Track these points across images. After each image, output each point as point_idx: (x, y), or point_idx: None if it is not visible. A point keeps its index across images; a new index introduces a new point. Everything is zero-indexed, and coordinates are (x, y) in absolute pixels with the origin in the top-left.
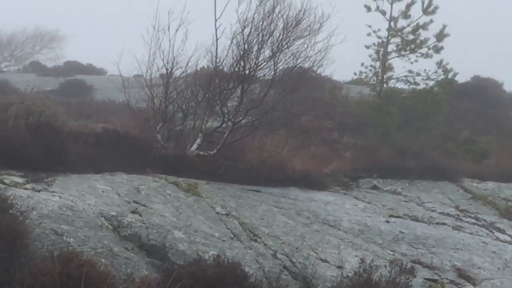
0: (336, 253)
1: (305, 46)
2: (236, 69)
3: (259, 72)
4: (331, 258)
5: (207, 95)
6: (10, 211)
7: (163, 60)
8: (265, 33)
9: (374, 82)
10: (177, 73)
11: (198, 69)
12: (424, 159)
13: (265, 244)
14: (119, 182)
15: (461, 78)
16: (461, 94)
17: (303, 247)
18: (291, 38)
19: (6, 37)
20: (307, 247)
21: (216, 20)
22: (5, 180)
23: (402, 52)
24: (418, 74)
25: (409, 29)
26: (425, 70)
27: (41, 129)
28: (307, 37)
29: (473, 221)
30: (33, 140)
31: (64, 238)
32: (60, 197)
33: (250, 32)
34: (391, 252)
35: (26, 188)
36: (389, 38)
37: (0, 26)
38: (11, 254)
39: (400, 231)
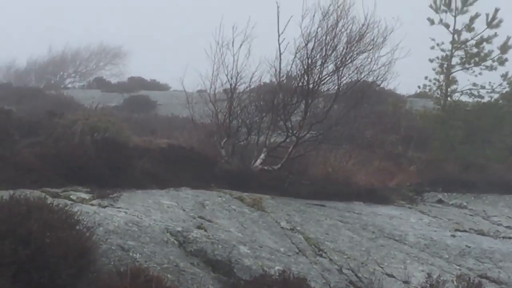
0: (402, 268)
1: (369, 60)
2: (300, 83)
3: (322, 86)
4: (397, 273)
5: (271, 110)
6: (77, 227)
7: (226, 75)
8: (328, 47)
9: (438, 96)
10: (241, 88)
11: (262, 84)
12: (490, 173)
13: (330, 259)
14: (184, 197)
15: None
16: None
17: (368, 262)
18: (355, 52)
19: (70, 54)
20: (372, 262)
21: (279, 35)
22: (71, 196)
23: (466, 65)
24: (483, 87)
25: (473, 42)
26: (489, 82)
27: (106, 145)
28: (371, 51)
29: None
30: (98, 156)
31: (131, 254)
32: (126, 212)
33: (313, 46)
34: (458, 267)
35: (92, 204)
36: (453, 51)
37: (65, 43)
38: (79, 271)
39: (466, 245)
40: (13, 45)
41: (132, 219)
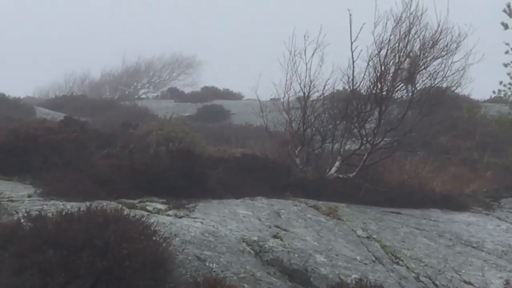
0: (480, 275)
1: (443, 66)
2: (373, 91)
3: (396, 93)
4: (475, 280)
5: (344, 118)
6: (154, 238)
7: (299, 83)
8: (401, 54)
9: None
10: (314, 96)
11: (335, 91)
12: None
13: (407, 267)
14: (260, 206)
15: None
16: None
17: (446, 269)
18: (428, 59)
19: (144, 64)
20: (450, 269)
21: (352, 43)
22: (147, 207)
23: None
24: None
25: None
26: None
27: (181, 155)
28: (444, 57)
29: None
30: (173, 166)
31: (207, 264)
32: (201, 223)
33: (386, 53)
34: None
35: (168, 215)
36: None
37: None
38: (156, 282)
39: None
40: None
41: (208, 229)
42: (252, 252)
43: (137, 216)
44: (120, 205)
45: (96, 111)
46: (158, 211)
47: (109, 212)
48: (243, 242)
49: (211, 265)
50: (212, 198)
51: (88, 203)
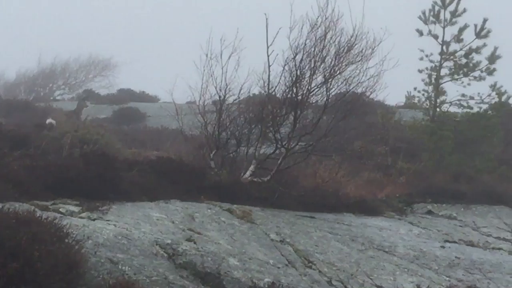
0: (392, 279)
1: (358, 71)
2: (289, 95)
3: (311, 98)
4: (387, 284)
5: (260, 122)
6: (66, 240)
7: (215, 87)
8: (317, 59)
9: (427, 106)
10: (230, 100)
11: (251, 95)
12: (479, 183)
13: (320, 271)
14: (174, 209)
15: None
16: None
17: (358, 273)
18: (343, 64)
19: (60, 66)
20: (362, 274)
21: (268, 47)
22: (61, 209)
23: (455, 76)
24: (472, 98)
25: (461, 52)
26: (478, 93)
27: (96, 157)
28: (359, 62)
29: None
30: (87, 168)
31: (120, 267)
32: (115, 225)
33: (302, 58)
34: (447, 278)
35: (81, 217)
36: (442, 62)
37: (54, 55)
38: (68, 284)
39: (455, 257)
40: (2, 57)
41: (122, 232)
42: (165, 255)
43: (49, 218)
44: (33, 207)
45: (11, 112)
46: (71, 213)
47: (21, 214)
48: (156, 245)
49: (123, 268)
50: (126, 201)
51: (0, 205)
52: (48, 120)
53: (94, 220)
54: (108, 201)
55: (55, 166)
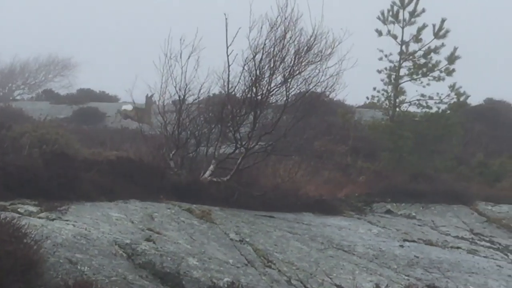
0: (351, 279)
1: (317, 71)
2: (249, 95)
3: (271, 98)
4: (346, 283)
5: (219, 122)
6: (25, 240)
7: (175, 87)
8: (276, 59)
9: (387, 106)
10: (190, 100)
11: (211, 95)
12: (438, 183)
13: (279, 270)
14: (133, 209)
15: (474, 101)
16: (474, 117)
17: (317, 272)
18: (303, 64)
19: (19, 65)
20: (321, 273)
21: (228, 47)
22: (19, 209)
23: (414, 76)
24: (431, 98)
25: (420, 52)
26: (437, 93)
27: (55, 157)
28: (319, 62)
29: (488, 244)
30: (47, 168)
31: (79, 267)
32: (74, 225)
33: (261, 58)
34: (406, 277)
35: (40, 217)
36: (401, 62)
37: (14, 54)
38: (26, 284)
39: (414, 256)
40: None
41: (80, 232)
42: (124, 255)
43: (8, 218)
44: None
45: None
46: (30, 214)
47: None
48: (116, 245)
49: (82, 268)
50: (85, 201)
51: None
52: (123, 107)
53: (53, 220)
54: (67, 201)
55: (13, 166)
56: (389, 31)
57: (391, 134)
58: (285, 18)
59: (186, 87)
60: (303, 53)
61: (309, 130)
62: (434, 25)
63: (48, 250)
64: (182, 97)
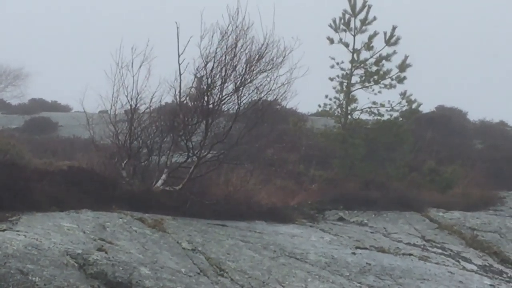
0: (303, 286)
1: (269, 79)
2: (200, 103)
3: (223, 106)
4: None
5: (171, 131)
6: None
7: (127, 96)
8: (228, 67)
9: (339, 114)
10: (142, 108)
11: (163, 104)
12: (390, 190)
13: (232, 279)
14: (85, 219)
15: (425, 108)
16: (426, 124)
17: (270, 281)
18: (254, 72)
19: None
20: (274, 281)
21: (179, 56)
22: None
23: (366, 84)
24: (382, 105)
25: (372, 60)
26: (389, 101)
27: (6, 168)
28: (270, 70)
29: (440, 251)
30: None
31: (30, 278)
32: (25, 236)
33: (213, 67)
34: (358, 284)
35: None
36: (353, 70)
37: None
38: None
39: (366, 263)
40: None
41: (32, 242)
42: (76, 265)
43: None
44: None
45: None
46: None
47: None
48: (67, 255)
49: (33, 278)
50: (36, 211)
51: None
52: None
53: (3, 231)
54: (17, 211)
55: None
56: (340, 39)
57: (343, 142)
58: (236, 27)
59: (138, 96)
60: (254, 61)
61: (261, 138)
62: (385, 33)
63: None
64: (134, 106)
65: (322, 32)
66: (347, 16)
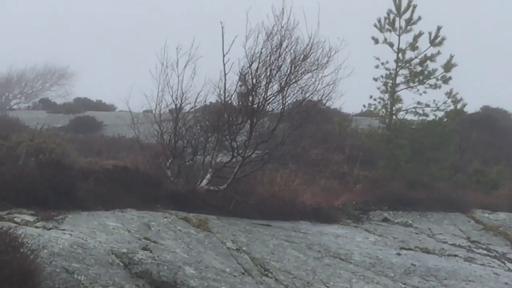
0: (348, 287)
1: (313, 79)
2: (245, 103)
3: (268, 106)
4: None
5: (216, 130)
6: (21, 250)
7: (171, 95)
8: (273, 67)
9: (383, 114)
10: (186, 108)
11: (207, 104)
12: (435, 191)
13: (276, 279)
14: (130, 218)
15: (470, 109)
16: (471, 125)
17: (314, 281)
18: (299, 72)
19: (16, 75)
20: (318, 281)
21: (224, 55)
22: (15, 219)
23: (411, 84)
24: (427, 105)
25: (417, 60)
26: (434, 101)
27: (51, 167)
28: (315, 71)
29: (485, 252)
30: (43, 178)
31: (75, 276)
32: (70, 234)
33: (258, 67)
34: (403, 285)
35: (36, 227)
36: (397, 70)
37: (11, 64)
38: None
39: (411, 264)
40: None
41: (77, 241)
42: (121, 264)
43: (4, 228)
44: None
45: None
46: (26, 223)
47: None
48: (112, 254)
49: (79, 277)
50: (82, 210)
51: None
52: None
53: (49, 229)
54: (63, 210)
55: (10, 176)
56: (385, 39)
57: (387, 142)
58: (281, 27)
59: (183, 95)
60: (299, 61)
61: (305, 138)
62: (430, 33)
63: (44, 260)
64: (179, 105)
65: (367, 32)
66: (392, 16)
